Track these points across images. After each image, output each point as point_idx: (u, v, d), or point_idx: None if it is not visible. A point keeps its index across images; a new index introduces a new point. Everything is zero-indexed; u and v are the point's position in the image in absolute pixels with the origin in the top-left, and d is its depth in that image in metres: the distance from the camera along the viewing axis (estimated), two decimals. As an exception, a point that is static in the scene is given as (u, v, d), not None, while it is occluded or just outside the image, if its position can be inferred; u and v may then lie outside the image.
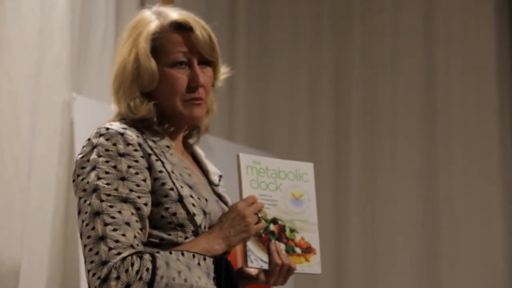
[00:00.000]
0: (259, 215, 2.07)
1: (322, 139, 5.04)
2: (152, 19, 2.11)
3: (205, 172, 2.23)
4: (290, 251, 2.14)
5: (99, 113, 2.24)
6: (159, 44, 2.10)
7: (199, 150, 2.26)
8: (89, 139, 2.05)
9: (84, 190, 1.99)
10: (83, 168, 2.02)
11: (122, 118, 2.11)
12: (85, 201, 1.99)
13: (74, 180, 2.05)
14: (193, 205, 2.03)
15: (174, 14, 2.12)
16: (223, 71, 2.19)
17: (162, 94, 2.10)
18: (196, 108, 2.10)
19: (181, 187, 2.04)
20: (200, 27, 2.10)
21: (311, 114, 5.08)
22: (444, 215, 4.85)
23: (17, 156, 3.31)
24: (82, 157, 2.04)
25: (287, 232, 2.15)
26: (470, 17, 4.97)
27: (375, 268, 4.90)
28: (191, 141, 2.24)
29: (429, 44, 5.02)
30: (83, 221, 1.97)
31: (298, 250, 2.15)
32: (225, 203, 2.20)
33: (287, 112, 5.05)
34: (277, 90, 5.05)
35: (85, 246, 1.96)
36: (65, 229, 3.47)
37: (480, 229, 4.81)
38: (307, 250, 2.16)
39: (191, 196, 2.04)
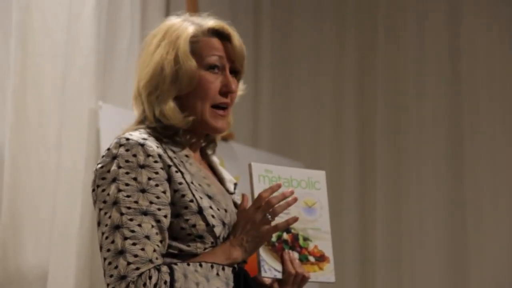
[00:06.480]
0: (269, 216, 2.04)
1: (346, 146, 5.03)
2: (187, 25, 2.12)
3: (220, 180, 2.22)
4: (303, 259, 2.13)
5: (125, 121, 2.23)
6: (196, 47, 2.11)
7: (215, 158, 2.26)
8: (108, 149, 2.06)
9: (105, 202, 2.00)
10: (103, 179, 2.03)
11: (141, 124, 2.11)
12: (105, 213, 1.99)
13: (93, 190, 2.06)
14: (213, 216, 2.03)
15: (211, 20, 2.14)
16: (241, 87, 2.20)
17: (193, 97, 2.10)
18: (219, 120, 2.12)
19: (201, 198, 2.03)
20: (236, 37, 2.13)
21: (335, 121, 5.07)
22: (471, 220, 4.81)
23: (44, 164, 3.33)
24: (102, 167, 2.05)
25: (301, 241, 2.14)
26: (496, 31, 4.93)
27: (401, 275, 4.87)
28: (208, 152, 2.24)
29: (454, 56, 4.98)
30: (103, 234, 1.98)
31: (311, 258, 2.14)
32: None
33: (311, 119, 5.04)
34: (302, 97, 5.04)
35: (104, 259, 1.96)
36: (92, 236, 3.48)
37: (508, 236, 4.78)
38: (321, 258, 2.15)
39: (211, 208, 2.04)
